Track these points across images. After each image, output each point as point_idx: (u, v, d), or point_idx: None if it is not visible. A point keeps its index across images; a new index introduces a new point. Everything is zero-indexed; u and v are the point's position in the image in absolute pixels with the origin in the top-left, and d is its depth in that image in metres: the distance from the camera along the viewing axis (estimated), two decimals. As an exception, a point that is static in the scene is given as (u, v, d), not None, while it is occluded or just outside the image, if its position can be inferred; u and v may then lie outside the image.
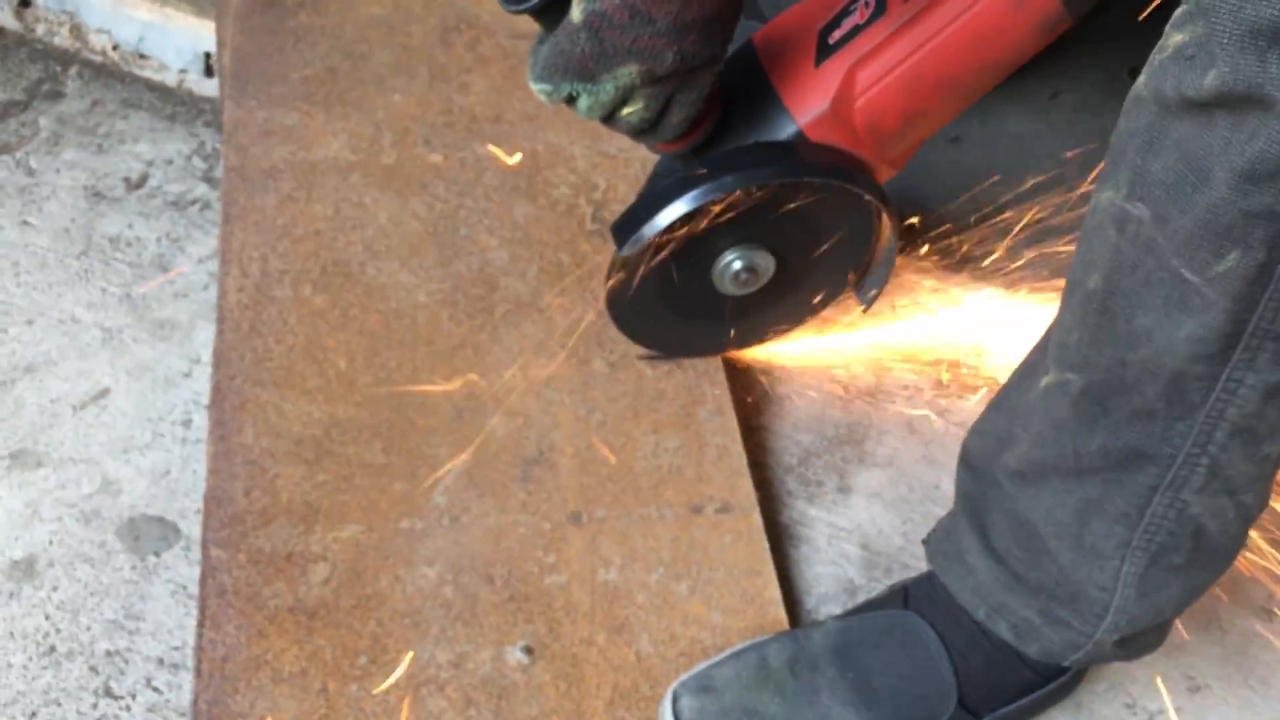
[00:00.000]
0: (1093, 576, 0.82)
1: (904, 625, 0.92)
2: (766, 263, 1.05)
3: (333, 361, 1.08)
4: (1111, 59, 1.36)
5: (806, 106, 1.00)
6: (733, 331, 1.13)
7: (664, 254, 1.01)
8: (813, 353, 1.24)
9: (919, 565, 1.10)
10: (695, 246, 1.02)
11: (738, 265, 1.04)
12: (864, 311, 1.15)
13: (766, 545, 1.04)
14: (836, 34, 0.99)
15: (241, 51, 1.29)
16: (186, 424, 1.15)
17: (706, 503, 1.06)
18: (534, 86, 0.90)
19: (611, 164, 1.29)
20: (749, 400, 1.19)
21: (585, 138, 1.30)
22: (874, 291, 1.12)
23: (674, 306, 1.09)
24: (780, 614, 1.00)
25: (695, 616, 0.99)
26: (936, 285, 1.31)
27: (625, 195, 1.26)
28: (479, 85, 1.34)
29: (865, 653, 0.91)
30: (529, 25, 1.44)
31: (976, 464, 0.90)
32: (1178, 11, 0.67)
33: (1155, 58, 0.68)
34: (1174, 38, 0.65)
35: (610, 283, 1.04)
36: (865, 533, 1.12)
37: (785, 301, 1.12)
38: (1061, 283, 1.25)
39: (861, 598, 1.07)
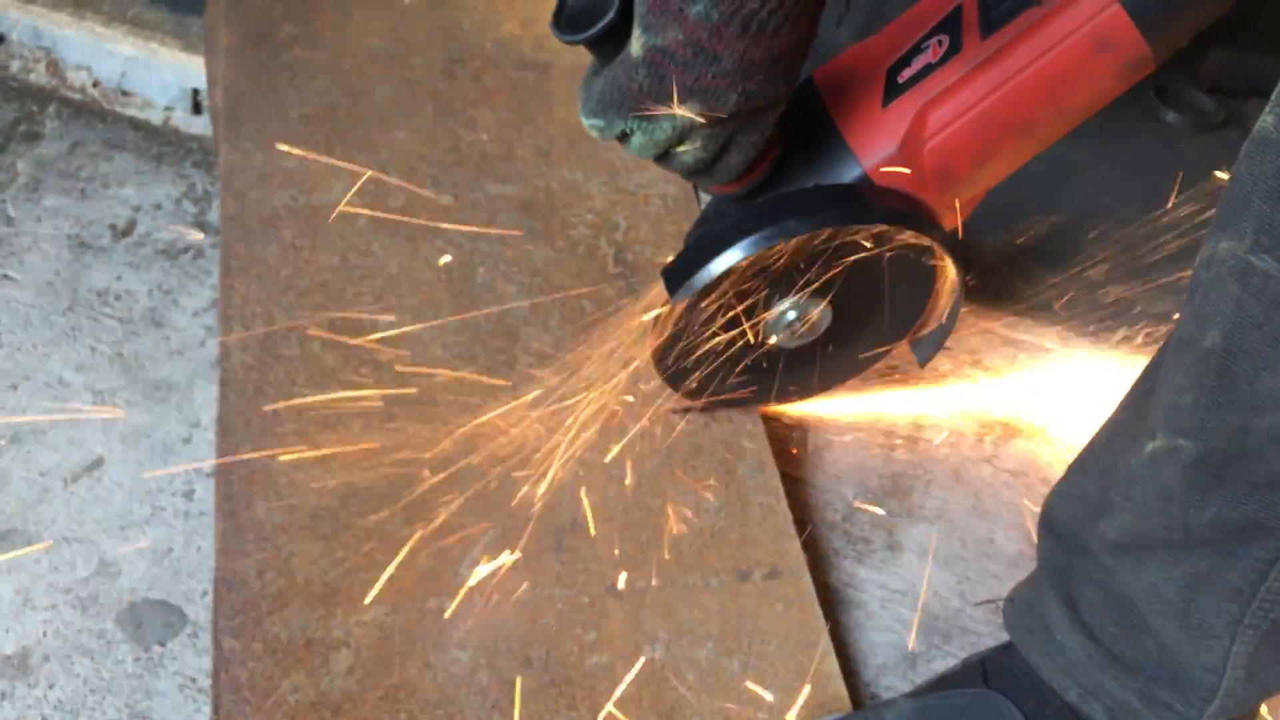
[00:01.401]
0: (1200, 656, 0.76)
1: (986, 706, 0.85)
2: (823, 314, 0.98)
3: (347, 425, 1.01)
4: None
5: (873, 148, 0.93)
6: (784, 384, 1.05)
7: (716, 303, 0.93)
8: (848, 400, 1.17)
9: (979, 629, 1.03)
10: (749, 295, 0.95)
11: (792, 315, 0.97)
12: (921, 366, 1.07)
13: (820, 613, 0.97)
14: (907, 72, 0.93)
15: (235, 90, 1.22)
16: (189, 495, 1.07)
17: (754, 568, 0.99)
18: (586, 121, 0.85)
19: (631, 201, 1.22)
20: (791, 452, 1.12)
21: (602, 173, 1.23)
22: (934, 347, 1.05)
23: (724, 358, 1.01)
24: (841, 689, 0.93)
25: (750, 696, 0.92)
26: (977, 322, 1.25)
27: (647, 235, 1.19)
28: (487, 120, 1.27)
29: (947, 739, 0.84)
30: (535, 55, 1.38)
31: (1064, 532, 0.83)
32: None
33: None
34: None
35: (658, 335, 0.96)
36: (920, 594, 1.05)
37: (840, 354, 1.05)
38: (1117, 330, 1.21)
39: (921, 667, 1.00)
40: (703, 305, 0.93)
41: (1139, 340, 1.19)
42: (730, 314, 0.95)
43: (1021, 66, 0.88)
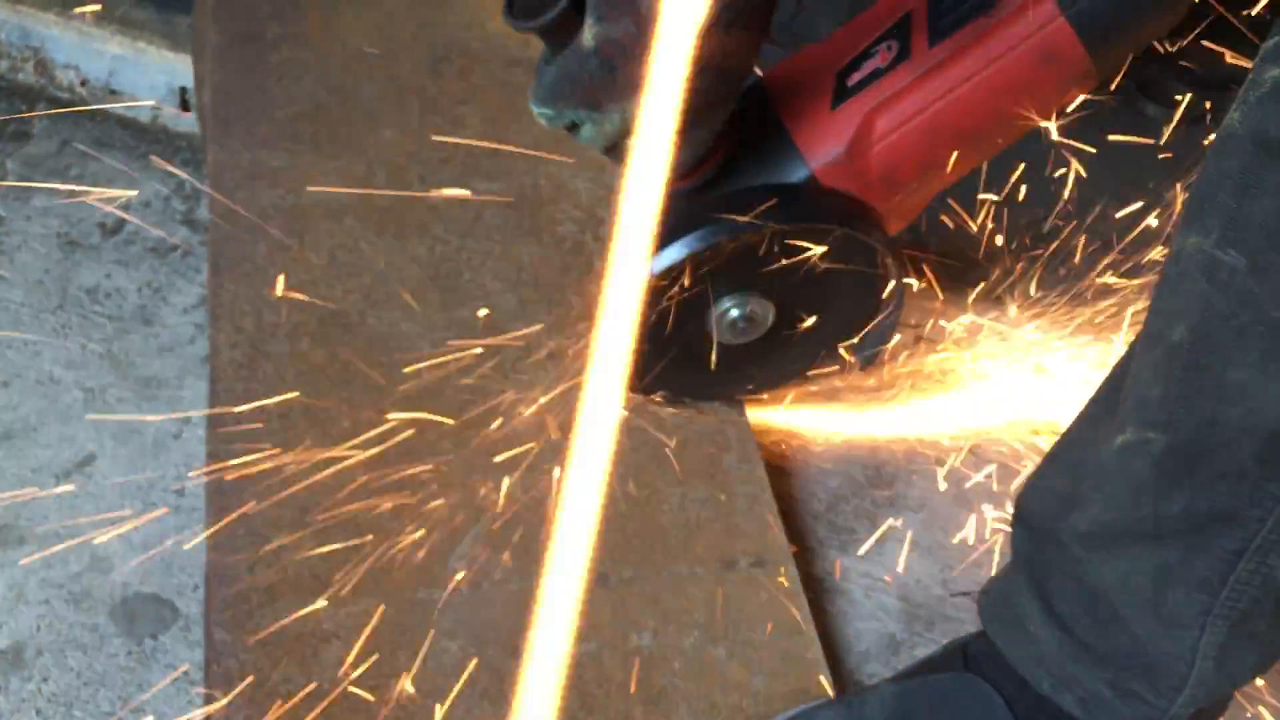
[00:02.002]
0: (1170, 647, 0.77)
1: (967, 689, 0.86)
2: (766, 312, 0.99)
3: (335, 420, 1.02)
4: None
5: (820, 150, 0.94)
6: (722, 382, 1.06)
7: (663, 297, 0.95)
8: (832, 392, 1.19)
9: (961, 616, 1.04)
10: (692, 291, 0.96)
11: (735, 313, 0.98)
12: (862, 370, 1.08)
13: (805, 602, 0.98)
14: (856, 76, 0.94)
15: (223, 90, 1.23)
16: (179, 492, 1.08)
17: (739, 557, 1.00)
18: (535, 109, 0.85)
19: (617, 197, 1.23)
20: (771, 443, 1.13)
21: (588, 170, 1.24)
22: (877, 349, 1.06)
23: (668, 353, 1.02)
24: (825, 676, 0.94)
25: (736, 683, 0.93)
26: (955, 313, 1.26)
27: (633, 230, 1.20)
28: (474, 118, 1.28)
29: (927, 720, 0.86)
30: (522, 53, 1.39)
31: (1036, 524, 0.85)
32: (1270, 44, 0.62)
33: (1250, 94, 0.63)
34: (1271, 72, 0.60)
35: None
36: (903, 583, 1.06)
37: (782, 354, 1.05)
38: (1085, 313, 1.23)
39: (904, 653, 1.01)
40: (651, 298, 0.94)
41: (1116, 332, 1.21)
42: (675, 309, 0.96)
43: (968, 75, 0.89)
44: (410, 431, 1.00)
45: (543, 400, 1.06)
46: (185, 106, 1.45)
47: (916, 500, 1.13)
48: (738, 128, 0.94)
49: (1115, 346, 1.20)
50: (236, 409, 1.00)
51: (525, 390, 1.06)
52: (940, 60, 0.90)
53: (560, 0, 0.80)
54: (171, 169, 1.40)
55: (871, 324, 1.05)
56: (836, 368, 1.10)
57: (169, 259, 1.30)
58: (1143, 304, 1.22)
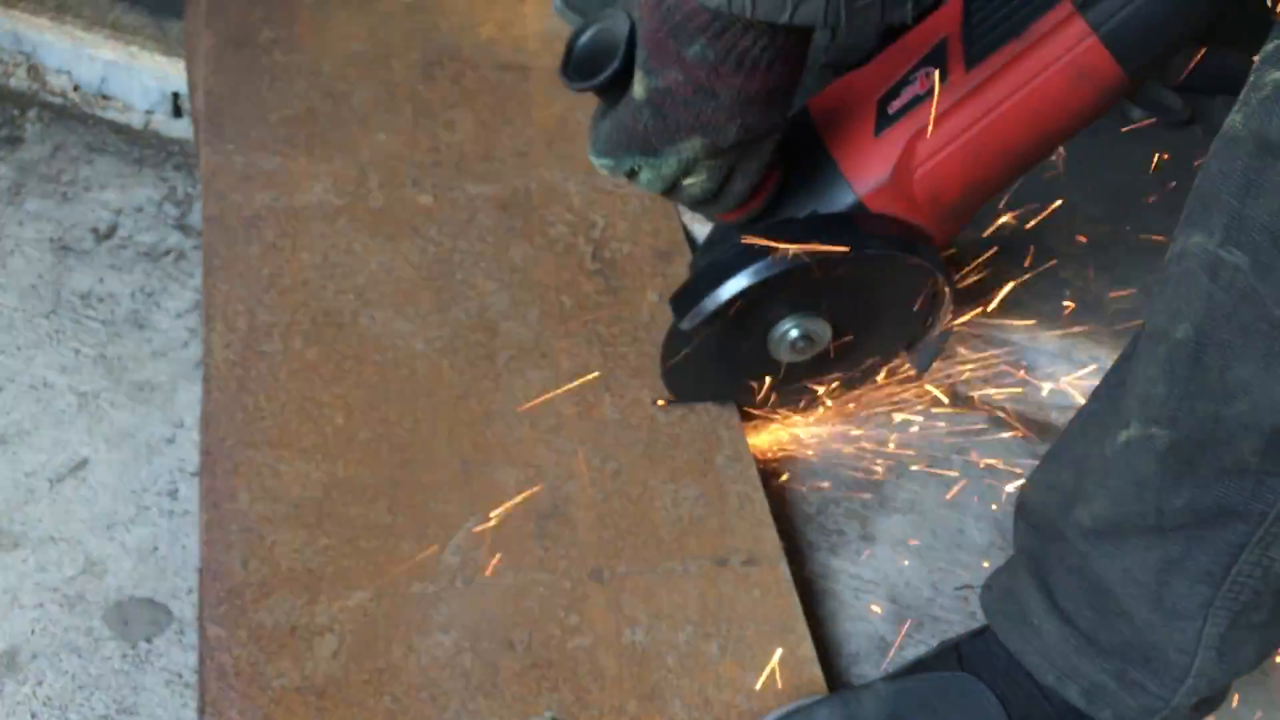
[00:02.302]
0: (1172, 638, 0.78)
1: (962, 689, 0.87)
2: (823, 331, 1.02)
3: (329, 418, 1.02)
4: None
5: (866, 177, 0.97)
6: (788, 392, 1.11)
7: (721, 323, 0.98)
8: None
9: (950, 617, 1.05)
10: (754, 314, 1.00)
11: (795, 334, 1.01)
12: (919, 374, 1.13)
13: (797, 600, 0.99)
14: (896, 104, 0.97)
15: (215, 93, 1.23)
16: (173, 494, 1.08)
17: (731, 555, 1.01)
18: (595, 161, 0.89)
19: (608, 200, 1.24)
20: (763, 445, 1.14)
21: (579, 173, 1.25)
22: (930, 358, 1.10)
23: (728, 370, 1.06)
24: (817, 673, 0.95)
25: (729, 679, 0.93)
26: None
27: (624, 233, 1.21)
28: (466, 121, 1.28)
29: (922, 719, 0.86)
30: (513, 57, 1.40)
31: (1039, 520, 0.86)
32: (1270, 47, 0.63)
33: (1252, 96, 0.64)
34: (1273, 75, 0.62)
35: (671, 358, 1.03)
36: (892, 584, 1.07)
37: (838, 366, 1.09)
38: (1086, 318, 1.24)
39: (894, 654, 1.02)
40: (710, 327, 0.98)
41: (1107, 334, 1.22)
42: (733, 331, 1.00)
43: (1004, 97, 0.92)
44: (404, 428, 1.01)
45: (536, 398, 1.06)
46: (178, 113, 1.45)
47: (906, 502, 1.14)
48: (787, 158, 0.98)
49: (1105, 348, 1.21)
50: (230, 408, 1.00)
51: (518, 388, 1.07)
52: (977, 84, 0.93)
53: (615, 59, 0.84)
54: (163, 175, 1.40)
55: (926, 335, 1.09)
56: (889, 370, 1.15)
57: (162, 263, 1.30)
58: (1129, 303, 1.23)
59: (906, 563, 1.09)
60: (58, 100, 1.48)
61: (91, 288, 1.27)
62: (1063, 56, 0.91)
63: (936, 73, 0.95)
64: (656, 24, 0.79)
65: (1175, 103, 1.50)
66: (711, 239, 1.08)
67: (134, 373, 1.19)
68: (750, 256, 0.96)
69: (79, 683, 0.95)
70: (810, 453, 1.16)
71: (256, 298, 1.08)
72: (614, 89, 0.86)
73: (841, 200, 0.98)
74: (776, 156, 0.93)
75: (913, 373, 1.17)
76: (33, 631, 0.98)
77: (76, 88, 1.47)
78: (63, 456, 1.11)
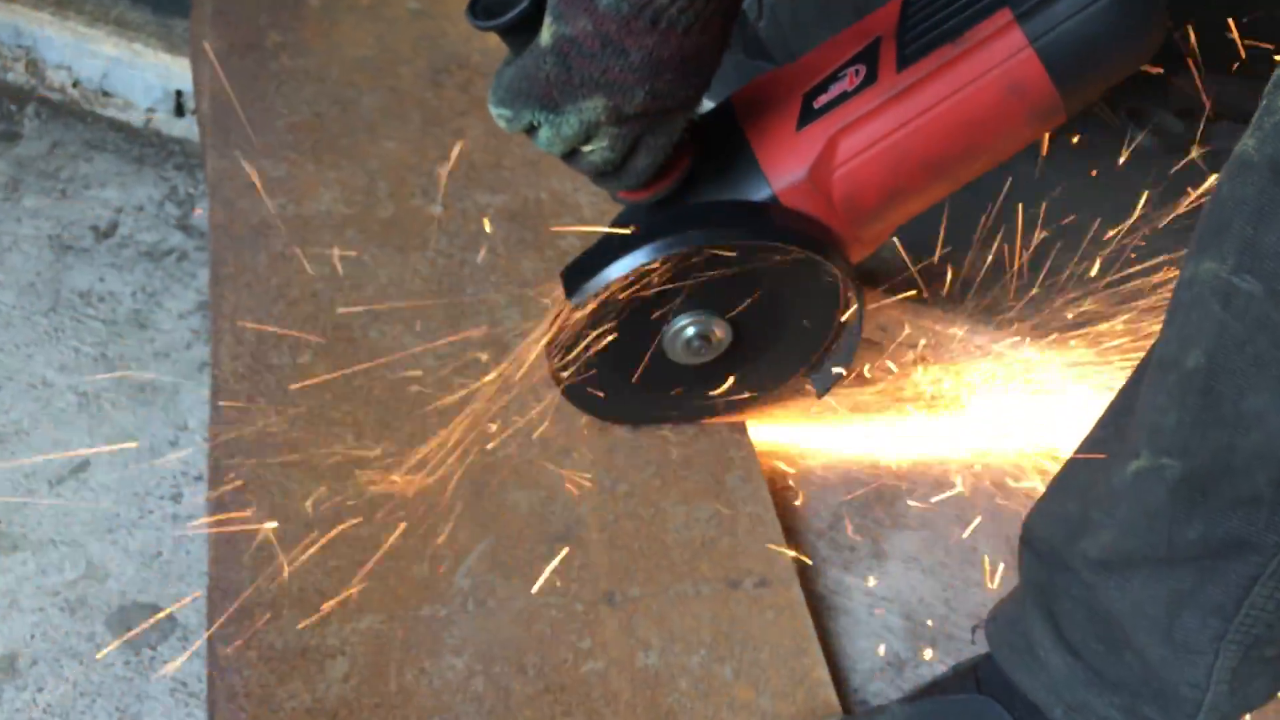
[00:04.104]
0: (1183, 672, 0.77)
1: (980, 712, 0.86)
2: (722, 332, 0.98)
3: (339, 435, 1.01)
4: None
5: (783, 170, 0.94)
6: (677, 400, 1.05)
7: (615, 310, 0.93)
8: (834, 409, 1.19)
9: (964, 635, 1.05)
10: (647, 308, 0.95)
11: (691, 332, 0.97)
12: (819, 397, 1.08)
13: (810, 621, 0.98)
14: (822, 99, 0.93)
15: (222, 98, 1.21)
16: (176, 498, 1.07)
17: (744, 577, 1.00)
18: (493, 111, 0.85)
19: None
20: (774, 462, 1.13)
21: (590, 184, 1.24)
22: (833, 376, 1.05)
23: (617, 370, 1.00)
24: (831, 696, 0.94)
25: (743, 702, 0.93)
26: (949, 331, 1.27)
27: (636, 245, 1.20)
28: (475, 129, 1.27)
29: (940, 743, 0.86)
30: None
31: (1044, 549, 0.85)
32: None
33: (1265, 121, 0.64)
34: None
35: (552, 336, 0.95)
36: (906, 601, 1.07)
37: (737, 376, 1.05)
38: (1083, 333, 1.24)
39: (909, 672, 1.02)
40: (600, 309, 0.93)
41: (1111, 355, 1.22)
42: (628, 323, 0.95)
43: (933, 103, 0.89)
44: (416, 448, 1.00)
45: (548, 417, 1.05)
46: (180, 111, 1.43)
47: (918, 518, 1.13)
48: (703, 143, 0.94)
49: (1112, 367, 1.21)
50: (238, 423, 0.99)
51: (532, 407, 1.06)
52: (906, 87, 0.90)
53: (523, 1, 0.80)
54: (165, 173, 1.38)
55: (829, 350, 1.05)
56: (789, 393, 1.09)
57: (163, 263, 1.28)
58: (1132, 324, 1.24)
59: (919, 579, 1.09)
60: (57, 96, 1.45)
61: (91, 286, 1.25)
62: (996, 67, 0.87)
63: (866, 70, 0.92)
64: None
65: (1177, 127, 1.51)
66: (617, 219, 1.03)
67: (136, 373, 1.17)
68: (650, 234, 0.91)
69: (80, 690, 0.94)
70: (822, 467, 1.16)
71: (265, 309, 1.06)
72: (522, 33, 0.81)
73: (756, 193, 0.94)
74: (689, 138, 0.90)
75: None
76: (33, 636, 0.96)
77: (76, 84, 1.45)
78: (63, 457, 1.09)
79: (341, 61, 1.30)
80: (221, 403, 1.00)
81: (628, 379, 1.01)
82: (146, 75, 1.43)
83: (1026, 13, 0.86)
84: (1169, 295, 1.19)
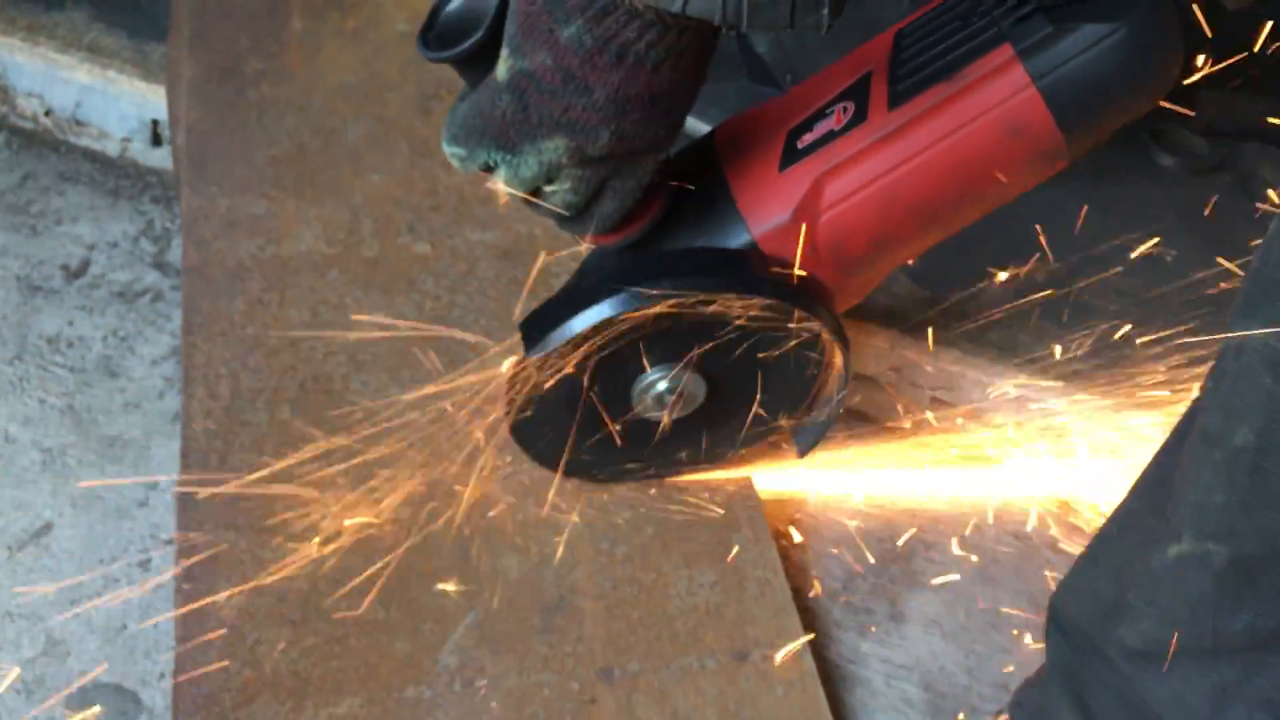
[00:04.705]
0: None
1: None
2: (696, 387, 0.91)
3: (320, 500, 0.94)
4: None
5: (764, 215, 0.87)
6: (642, 462, 0.98)
7: (580, 363, 0.86)
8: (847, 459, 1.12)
9: (988, 707, 0.98)
10: (616, 359, 0.88)
11: (663, 386, 0.90)
12: (800, 456, 1.00)
13: (823, 695, 0.92)
14: (807, 137, 0.87)
15: (198, 129, 1.15)
16: (144, 565, 1.00)
17: (752, 648, 0.93)
18: (446, 149, 0.79)
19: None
20: (781, 517, 1.07)
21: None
22: (815, 435, 0.98)
23: (583, 424, 0.92)
24: (847, 782, 0.88)
25: (752, 792, 0.86)
26: (962, 371, 1.20)
27: (635, 285, 1.14)
28: (465, 161, 1.20)
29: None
30: (516, 91, 1.32)
31: (1075, 631, 0.79)
32: None
33: None
34: None
35: (512, 392, 0.88)
36: (926, 670, 1.00)
37: (710, 433, 0.97)
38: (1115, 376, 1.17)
39: (930, 750, 0.95)
40: (562, 364, 0.86)
41: (1142, 400, 1.15)
42: (592, 377, 0.88)
43: (927, 144, 0.82)
44: (401, 516, 0.93)
45: (540, 474, 0.99)
46: (157, 141, 1.36)
47: (937, 577, 1.06)
48: (679, 183, 0.87)
49: (1144, 412, 1.14)
50: (209, 487, 0.92)
51: (521, 463, 0.99)
52: (898, 126, 0.83)
53: (477, 31, 0.74)
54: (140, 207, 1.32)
55: (811, 408, 0.97)
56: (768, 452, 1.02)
57: (136, 305, 1.22)
58: (1162, 358, 1.17)
59: (940, 645, 1.02)
60: (28, 125, 1.39)
61: (60, 331, 1.19)
62: (996, 107, 0.80)
63: (855, 108, 0.85)
64: None
65: (1202, 148, 1.44)
66: (584, 265, 0.96)
67: (104, 426, 1.11)
68: (617, 284, 0.83)
69: (37, 781, 0.88)
70: (833, 522, 1.09)
71: (240, 360, 1.00)
72: (478, 66, 0.75)
73: (734, 238, 0.87)
74: (663, 180, 0.84)
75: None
76: (-12, 721, 0.90)
77: (49, 112, 1.39)
78: (24, 520, 1.03)
79: (325, 89, 1.24)
80: (192, 464, 0.93)
81: (594, 435, 0.94)
82: (122, 104, 1.36)
83: (1029, 49, 0.79)
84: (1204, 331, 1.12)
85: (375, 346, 1.03)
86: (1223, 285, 1.06)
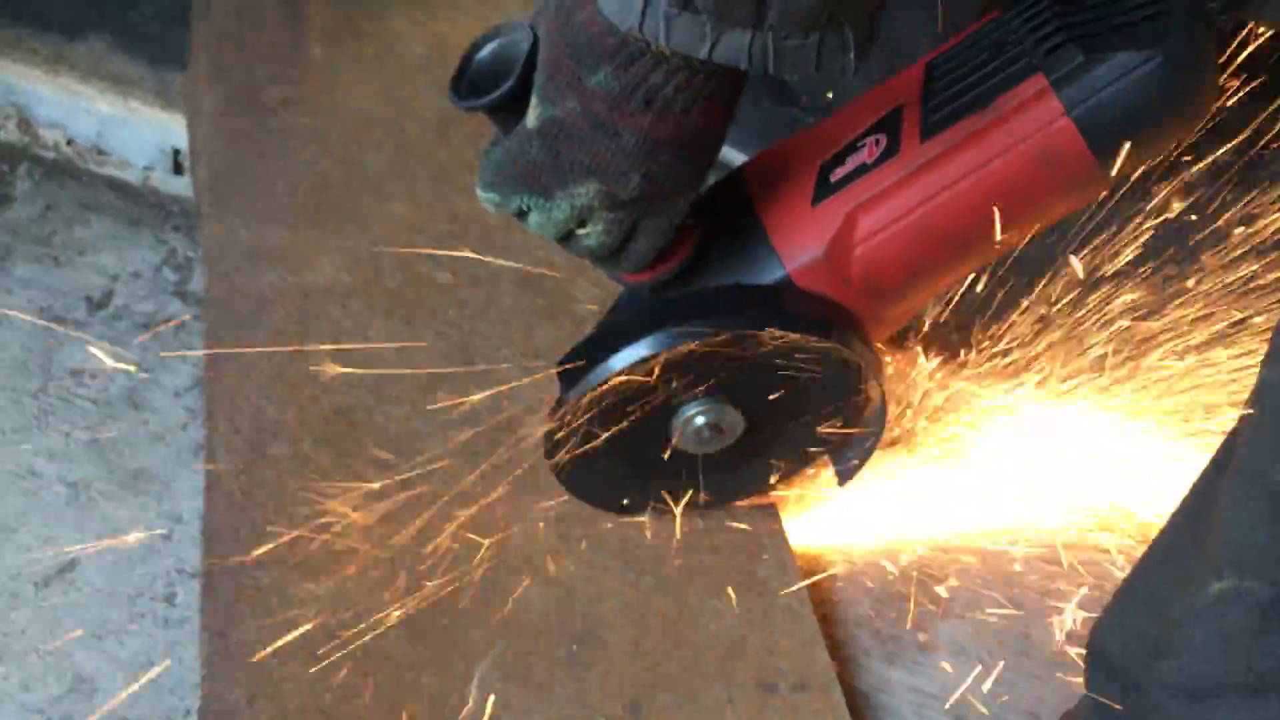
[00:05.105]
0: None
1: None
2: (734, 420, 0.91)
3: (344, 532, 0.93)
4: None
5: (798, 249, 0.87)
6: (680, 492, 0.97)
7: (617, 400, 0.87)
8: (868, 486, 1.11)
9: (1020, 737, 0.97)
10: (653, 396, 0.88)
11: (701, 421, 0.90)
12: (840, 485, 0.99)
13: (853, 730, 0.91)
14: (840, 171, 0.87)
15: (219, 161, 1.15)
16: (170, 599, 1.00)
17: (780, 679, 0.92)
18: (480, 195, 0.80)
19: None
20: (808, 545, 1.06)
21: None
22: (854, 465, 0.98)
23: (624, 460, 0.93)
24: (878, 818, 0.87)
25: (782, 828, 0.85)
26: (983, 388, 1.19)
27: (657, 311, 1.13)
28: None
29: None
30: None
31: (1117, 666, 0.78)
32: None
33: None
34: None
35: (552, 430, 0.89)
36: (957, 700, 0.99)
37: (748, 465, 0.97)
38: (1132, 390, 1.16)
39: (961, 783, 0.94)
40: (602, 402, 0.87)
41: (1172, 421, 1.14)
42: (633, 414, 0.88)
43: (961, 175, 0.82)
44: (426, 551, 0.92)
45: (564, 504, 0.98)
46: (178, 169, 1.37)
47: (967, 602, 1.05)
48: (712, 219, 0.88)
49: (1175, 432, 1.13)
50: (234, 520, 0.92)
51: (549, 493, 0.98)
52: (932, 158, 0.83)
53: (509, 79, 0.74)
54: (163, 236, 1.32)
55: (851, 438, 0.96)
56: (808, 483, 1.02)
57: (160, 335, 1.22)
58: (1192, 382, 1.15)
59: (969, 671, 1.01)
60: (50, 155, 1.39)
61: (84, 363, 1.19)
62: (1029, 137, 0.80)
63: (887, 141, 0.85)
64: (558, 42, 0.70)
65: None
66: (619, 302, 0.96)
67: (128, 460, 1.11)
68: (654, 323, 0.84)
69: (65, 822, 0.87)
70: (860, 548, 1.08)
71: (264, 393, 1.00)
72: (509, 113, 0.76)
73: (768, 274, 0.87)
74: (695, 218, 0.84)
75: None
76: (14, 761, 0.90)
77: (70, 142, 1.39)
78: (50, 556, 1.03)
79: (345, 117, 1.24)
80: (217, 501, 0.93)
81: (633, 470, 0.94)
82: (143, 132, 1.37)
83: (1063, 78, 0.79)
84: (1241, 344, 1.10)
85: (398, 378, 1.03)
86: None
